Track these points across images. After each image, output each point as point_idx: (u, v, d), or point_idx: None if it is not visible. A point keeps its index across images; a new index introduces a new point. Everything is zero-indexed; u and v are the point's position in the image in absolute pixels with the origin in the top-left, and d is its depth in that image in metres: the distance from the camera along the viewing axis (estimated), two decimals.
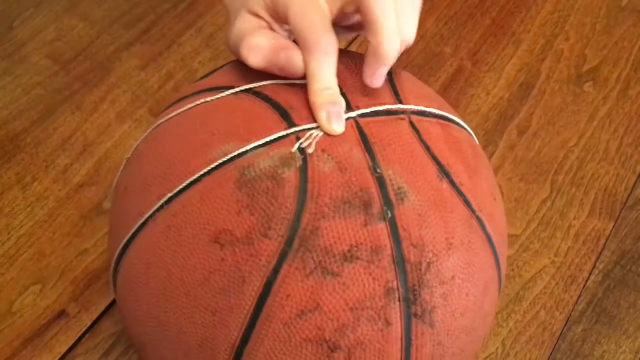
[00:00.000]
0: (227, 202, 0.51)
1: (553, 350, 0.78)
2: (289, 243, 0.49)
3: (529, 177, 0.90)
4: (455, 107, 0.95)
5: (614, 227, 0.87)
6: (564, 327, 0.80)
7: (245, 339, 0.51)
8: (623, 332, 0.80)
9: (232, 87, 0.57)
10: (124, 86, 0.93)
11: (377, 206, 0.50)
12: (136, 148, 0.60)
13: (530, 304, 0.81)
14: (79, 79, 0.93)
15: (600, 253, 0.85)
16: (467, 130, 0.61)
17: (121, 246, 0.56)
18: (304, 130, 0.53)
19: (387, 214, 0.50)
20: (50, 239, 0.81)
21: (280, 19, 0.57)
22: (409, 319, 0.51)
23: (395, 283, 0.50)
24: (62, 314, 0.77)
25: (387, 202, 0.51)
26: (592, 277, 0.83)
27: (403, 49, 0.57)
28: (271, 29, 0.57)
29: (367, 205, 0.50)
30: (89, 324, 0.77)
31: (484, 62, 1.00)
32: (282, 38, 0.56)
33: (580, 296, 0.82)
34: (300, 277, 0.49)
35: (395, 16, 0.54)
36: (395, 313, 0.50)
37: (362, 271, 0.49)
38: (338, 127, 0.53)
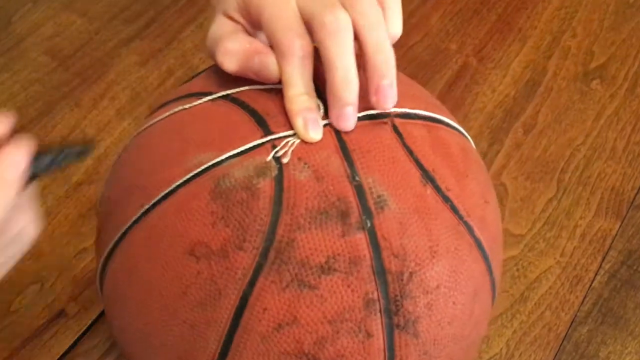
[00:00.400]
0: (202, 213, 0.50)
1: (558, 351, 0.78)
2: (264, 255, 0.48)
3: (534, 175, 0.89)
4: (460, 104, 0.94)
5: (620, 226, 0.86)
6: (569, 327, 0.79)
7: (223, 353, 0.50)
8: (629, 333, 0.80)
9: (211, 93, 0.55)
10: (123, 83, 0.93)
11: (355, 215, 0.49)
12: (120, 155, 0.59)
13: (535, 304, 0.81)
14: (77, 75, 0.93)
15: (606, 253, 0.85)
16: (459, 130, 0.59)
17: (105, 254, 0.56)
18: (280, 137, 0.51)
19: (366, 224, 0.49)
20: (48, 238, 0.81)
21: (253, 22, 0.55)
22: (391, 330, 0.50)
23: (375, 294, 0.49)
24: (61, 313, 0.77)
25: (366, 211, 0.49)
26: (598, 277, 0.83)
27: (388, 42, 0.54)
28: (247, 32, 0.56)
29: (344, 215, 0.49)
30: (88, 323, 0.76)
31: (489, 58, 0.99)
32: (257, 42, 0.54)
33: (585, 296, 0.81)
34: (277, 290, 0.48)
35: (352, 53, 0.52)
36: (376, 324, 0.49)
37: (339, 283, 0.48)
38: (315, 134, 0.51)
